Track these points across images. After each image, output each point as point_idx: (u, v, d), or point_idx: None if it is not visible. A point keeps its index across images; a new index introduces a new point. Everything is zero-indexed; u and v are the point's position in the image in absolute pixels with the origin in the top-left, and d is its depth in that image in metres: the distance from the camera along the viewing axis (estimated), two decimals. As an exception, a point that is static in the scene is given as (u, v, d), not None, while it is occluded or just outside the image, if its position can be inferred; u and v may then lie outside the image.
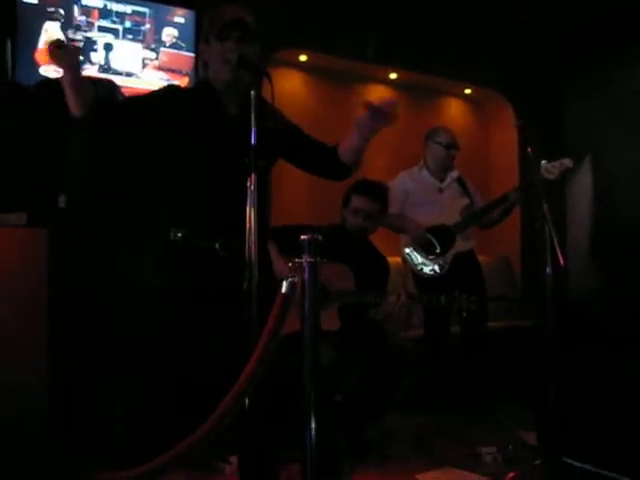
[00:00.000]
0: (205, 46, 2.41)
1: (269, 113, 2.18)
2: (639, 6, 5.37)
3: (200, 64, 2.49)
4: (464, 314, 3.45)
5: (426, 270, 4.25)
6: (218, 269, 2.25)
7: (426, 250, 4.25)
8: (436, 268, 4.23)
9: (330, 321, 3.26)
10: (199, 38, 2.50)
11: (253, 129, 2.03)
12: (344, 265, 3.36)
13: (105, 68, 3.94)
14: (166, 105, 2.37)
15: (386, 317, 3.45)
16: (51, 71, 3.71)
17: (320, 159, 2.60)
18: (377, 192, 3.56)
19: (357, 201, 3.52)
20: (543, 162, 3.54)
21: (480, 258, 4.62)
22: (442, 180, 4.51)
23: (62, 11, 3.77)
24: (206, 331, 2.25)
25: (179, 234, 2.28)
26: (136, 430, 2.32)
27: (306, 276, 1.78)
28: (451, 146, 4.47)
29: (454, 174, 4.54)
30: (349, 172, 2.62)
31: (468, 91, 6.39)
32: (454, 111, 6.47)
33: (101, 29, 3.95)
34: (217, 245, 2.25)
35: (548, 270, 2.96)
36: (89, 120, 2.24)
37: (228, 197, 2.21)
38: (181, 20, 4.17)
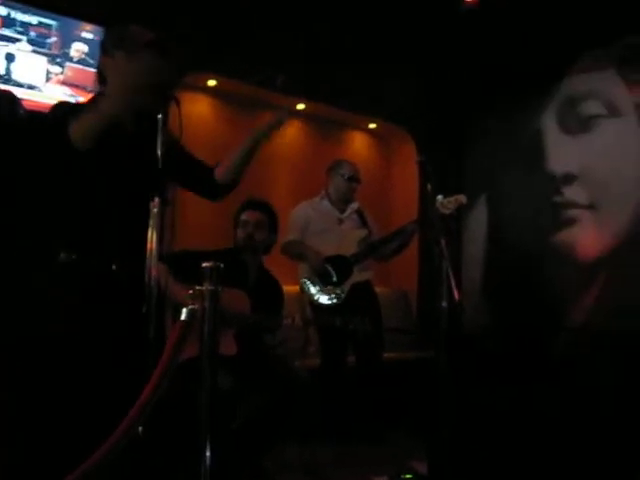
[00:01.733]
0: (109, 60, 2.33)
1: (166, 134, 2.15)
2: (543, 52, 5.67)
3: (98, 77, 2.39)
4: (360, 335, 3.52)
5: (323, 299, 4.29)
6: (113, 291, 2.19)
7: (323, 280, 4.30)
8: (333, 297, 4.27)
9: (227, 346, 3.24)
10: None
11: (159, 152, 2.02)
12: (239, 290, 3.37)
13: (6, 79, 3.81)
14: (59, 123, 2.27)
15: (282, 342, 3.47)
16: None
17: (196, 178, 2.57)
18: (263, 205, 3.73)
19: (244, 215, 3.67)
20: (439, 197, 3.64)
21: (378, 290, 4.70)
22: (342, 211, 4.60)
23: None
24: (101, 355, 2.18)
25: (70, 256, 2.18)
26: (25, 459, 2.21)
27: (206, 304, 1.77)
28: (353, 179, 4.57)
29: (354, 206, 4.63)
30: (222, 192, 2.59)
31: (372, 125, 6.55)
32: (358, 144, 6.60)
33: (3, 38, 3.82)
34: (114, 266, 2.19)
35: (443, 304, 3.04)
36: None
37: (125, 218, 2.17)
38: (89, 36, 4.10)
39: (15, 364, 2.59)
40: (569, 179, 5.85)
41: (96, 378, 2.12)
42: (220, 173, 2.54)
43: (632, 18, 5.18)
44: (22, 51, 3.88)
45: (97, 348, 2.17)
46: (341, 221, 4.58)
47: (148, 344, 1.90)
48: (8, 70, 3.84)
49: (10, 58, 3.85)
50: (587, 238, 5.73)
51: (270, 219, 3.68)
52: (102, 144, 2.26)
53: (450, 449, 2.90)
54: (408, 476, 3.34)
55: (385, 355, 4.54)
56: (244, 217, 3.66)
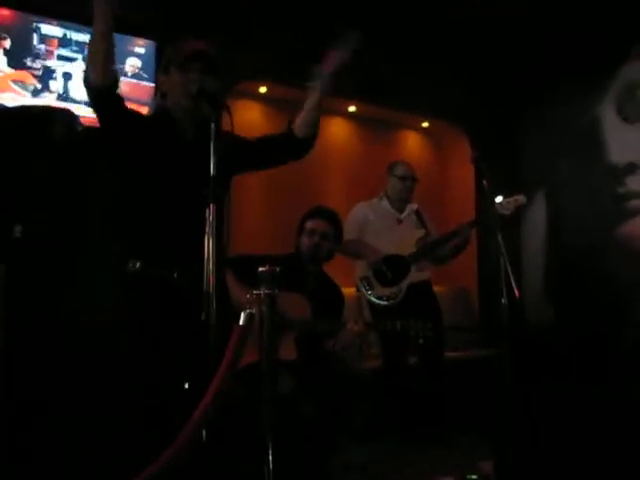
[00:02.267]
0: (164, 77, 2.42)
1: (223, 138, 2.19)
2: (595, 41, 5.54)
3: (158, 95, 2.49)
4: (421, 340, 3.47)
5: (379, 299, 4.27)
6: (176, 299, 2.23)
7: (380, 279, 4.28)
8: (390, 297, 4.25)
9: (287, 350, 3.25)
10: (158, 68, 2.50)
11: (212, 160, 2.05)
12: (300, 295, 3.37)
13: (64, 97, 3.92)
14: (125, 131, 2.34)
15: (344, 348, 3.45)
16: (8, 99, 3.69)
17: (277, 149, 2.71)
18: (331, 215, 3.64)
19: (312, 223, 3.58)
20: (498, 198, 3.62)
21: (438, 289, 4.67)
22: (401, 211, 4.59)
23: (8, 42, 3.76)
24: (165, 362, 2.22)
25: (137, 264, 2.25)
26: (90, 466, 2.27)
27: (264, 308, 1.78)
28: (407, 178, 4.56)
29: (413, 206, 4.62)
30: (307, 145, 2.74)
31: (425, 124, 6.49)
32: (411, 144, 6.55)
33: (60, 58, 3.94)
34: (175, 274, 2.23)
35: (504, 301, 3.00)
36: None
37: (185, 225, 2.21)
38: (141, 50, 4.18)
39: (79, 366, 2.66)
40: (631, 169, 5.70)
41: (159, 384, 2.16)
42: (298, 127, 2.70)
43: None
44: (79, 69, 3.98)
45: (161, 354, 2.22)
46: (400, 221, 4.58)
47: (209, 350, 1.92)
48: (66, 88, 3.95)
49: (67, 77, 3.96)
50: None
51: (336, 229, 3.63)
52: (162, 152, 2.32)
53: (516, 448, 2.85)
54: (473, 476, 3.30)
55: (447, 354, 4.50)
56: (311, 225, 3.57)
